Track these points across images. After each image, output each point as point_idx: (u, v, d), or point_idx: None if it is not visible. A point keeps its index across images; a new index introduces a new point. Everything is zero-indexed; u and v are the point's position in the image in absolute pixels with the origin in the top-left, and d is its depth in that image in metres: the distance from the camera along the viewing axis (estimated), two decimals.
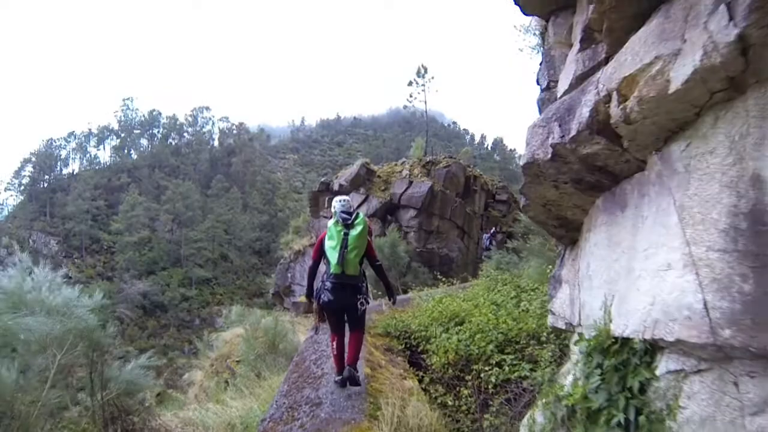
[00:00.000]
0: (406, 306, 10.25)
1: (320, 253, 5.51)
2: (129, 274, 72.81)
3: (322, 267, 5.55)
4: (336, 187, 27.70)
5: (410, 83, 42.17)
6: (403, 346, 7.34)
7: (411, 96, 42.27)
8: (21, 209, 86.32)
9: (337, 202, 5.66)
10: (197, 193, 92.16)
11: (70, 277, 72.92)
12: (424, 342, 7.02)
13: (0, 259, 74.49)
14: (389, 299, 5.91)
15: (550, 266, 8.46)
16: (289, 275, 29.25)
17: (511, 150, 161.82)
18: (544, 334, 5.89)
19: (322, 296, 5.28)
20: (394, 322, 7.97)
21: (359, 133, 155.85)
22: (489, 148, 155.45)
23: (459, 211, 28.46)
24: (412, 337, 7.34)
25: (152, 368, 7.57)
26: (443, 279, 13.29)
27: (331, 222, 5.46)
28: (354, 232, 5.30)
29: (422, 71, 41.50)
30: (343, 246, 5.22)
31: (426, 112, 43.00)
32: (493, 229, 25.88)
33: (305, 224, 32.77)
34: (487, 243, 22.88)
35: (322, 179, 30.68)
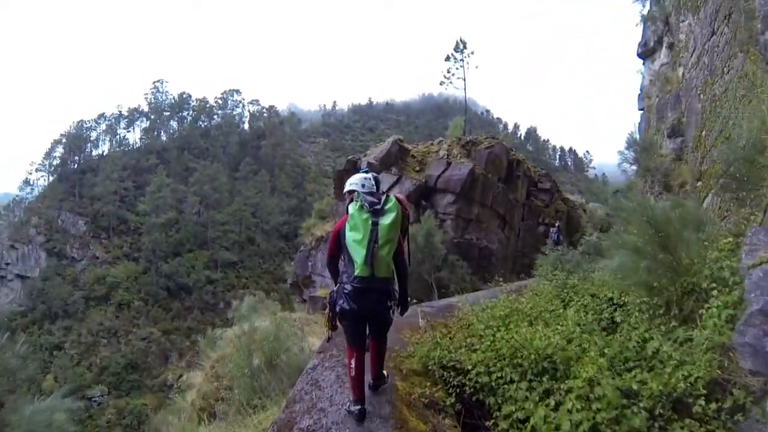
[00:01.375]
0: (449, 317, 7.58)
1: (338, 247, 4.24)
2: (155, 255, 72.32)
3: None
4: (364, 166, 24.59)
5: (448, 58, 38.55)
6: (454, 398, 4.66)
7: (449, 72, 38.65)
8: (51, 190, 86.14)
9: (360, 179, 4.45)
10: (225, 175, 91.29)
11: (97, 257, 72.95)
12: (488, 393, 4.37)
13: (29, 239, 75.27)
14: (398, 309, 4.30)
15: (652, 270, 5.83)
16: (309, 264, 26.59)
17: (544, 140, 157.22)
18: (698, 401, 3.37)
19: (340, 302, 4.05)
20: (439, 351, 5.30)
21: (391, 119, 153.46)
22: (522, 137, 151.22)
23: (501, 198, 25.32)
24: (467, 380, 4.68)
25: (74, 412, 5.00)
26: (492, 280, 10.60)
27: (352, 207, 4.14)
28: (385, 220, 4.02)
29: (461, 45, 37.88)
30: (372, 240, 3.96)
31: (465, 88, 39.23)
32: (557, 222, 23.17)
33: (329, 208, 29.94)
34: (556, 237, 20.62)
35: (350, 157, 27.63)
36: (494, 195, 24.90)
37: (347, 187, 4.47)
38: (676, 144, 13.38)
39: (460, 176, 23.80)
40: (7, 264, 71.65)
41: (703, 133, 10.06)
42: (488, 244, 23.52)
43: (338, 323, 4.24)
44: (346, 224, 4.06)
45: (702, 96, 10.25)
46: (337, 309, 4.05)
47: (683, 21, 12.55)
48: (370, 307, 3.99)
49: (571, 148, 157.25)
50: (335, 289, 4.16)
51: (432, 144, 28.02)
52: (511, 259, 24.66)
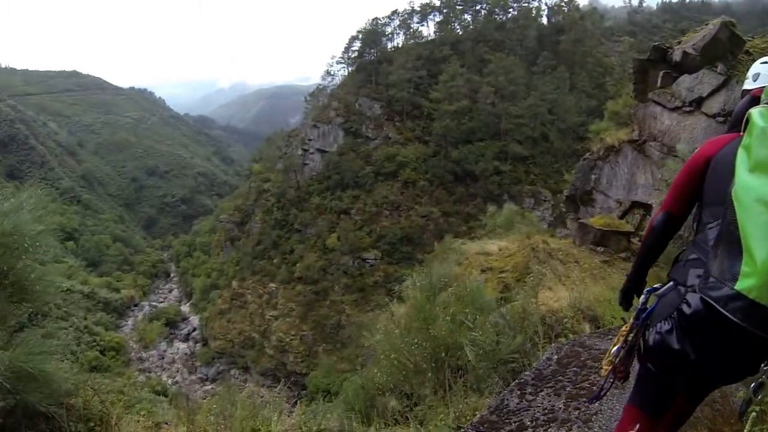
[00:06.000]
0: None
1: (694, 197, 1.97)
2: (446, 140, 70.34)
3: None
4: (677, 58, 14.26)
5: None
6: None
7: None
8: (350, 78, 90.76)
9: None
10: (522, 68, 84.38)
11: (390, 138, 73.22)
12: None
13: (329, 120, 79.43)
14: None
15: None
16: (593, 176, 19.10)
17: None
18: None
19: (663, 330, 1.70)
20: None
21: (707, 21, 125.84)
22: None
23: None
24: None
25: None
26: None
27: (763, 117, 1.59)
28: None
29: None
30: None
31: None
32: None
33: (626, 110, 21.06)
34: None
35: (656, 43, 16.86)
36: None
37: (753, 80, 2.00)
38: None
39: None
40: (310, 140, 78.85)
41: None
42: None
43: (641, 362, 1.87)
44: (741, 152, 1.59)
45: None
46: (650, 341, 1.75)
47: None
48: (727, 367, 1.64)
49: None
50: (661, 290, 1.80)
51: None
52: None
